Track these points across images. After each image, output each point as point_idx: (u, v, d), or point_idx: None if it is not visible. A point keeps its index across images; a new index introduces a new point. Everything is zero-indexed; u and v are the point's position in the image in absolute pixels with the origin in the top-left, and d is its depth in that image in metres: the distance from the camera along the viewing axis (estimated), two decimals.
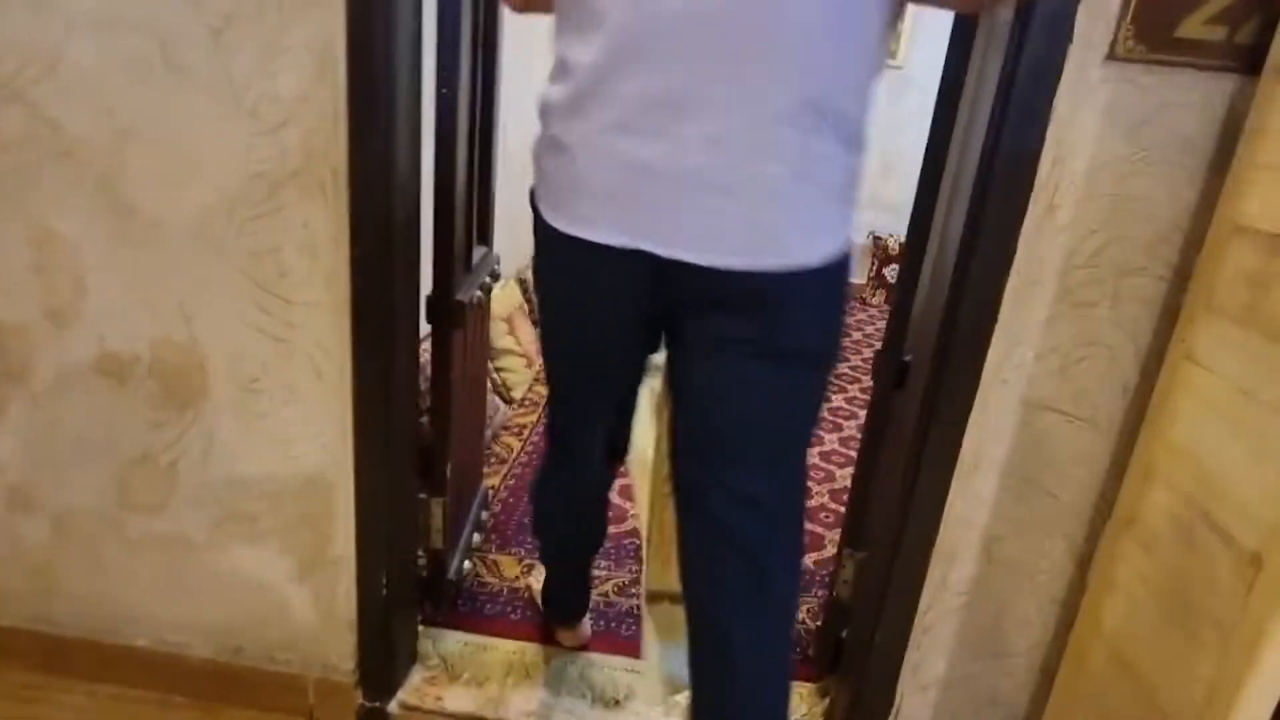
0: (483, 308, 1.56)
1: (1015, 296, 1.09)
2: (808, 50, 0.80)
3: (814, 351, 0.95)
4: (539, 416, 2.61)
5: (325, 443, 1.26)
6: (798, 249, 0.86)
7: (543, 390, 2.75)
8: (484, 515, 1.85)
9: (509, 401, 2.66)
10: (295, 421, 1.25)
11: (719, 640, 1.00)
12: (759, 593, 0.98)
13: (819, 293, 0.91)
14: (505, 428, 2.49)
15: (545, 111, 0.91)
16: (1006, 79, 1.01)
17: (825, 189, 0.86)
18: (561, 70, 0.88)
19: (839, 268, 0.90)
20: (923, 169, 1.21)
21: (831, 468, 2.45)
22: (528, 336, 2.88)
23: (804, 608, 1.76)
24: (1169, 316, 1.07)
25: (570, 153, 0.89)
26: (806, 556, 1.97)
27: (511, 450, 2.36)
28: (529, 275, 3.16)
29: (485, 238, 1.58)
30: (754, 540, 0.97)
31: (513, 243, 3.11)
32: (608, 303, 0.97)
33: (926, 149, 1.19)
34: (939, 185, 1.20)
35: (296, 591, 1.36)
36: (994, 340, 1.11)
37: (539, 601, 1.60)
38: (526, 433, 2.49)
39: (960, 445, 1.16)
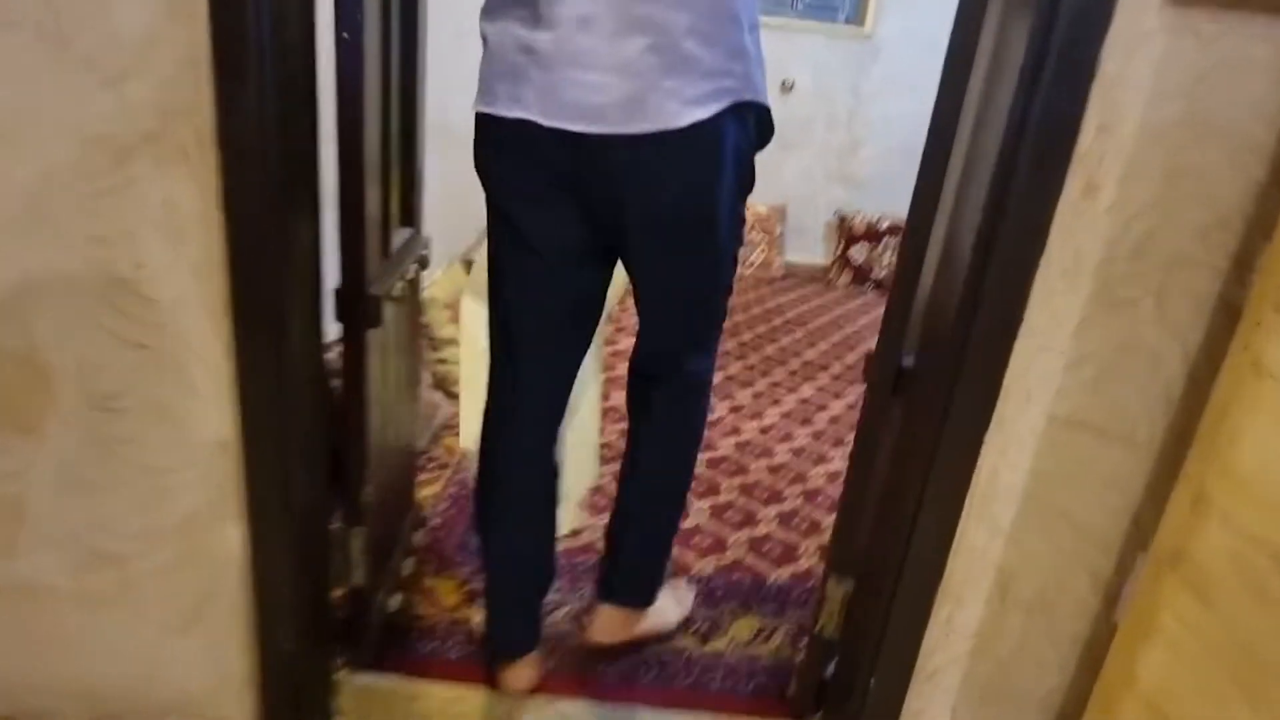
0: (407, 300, 1.33)
1: (1044, 294, 0.90)
2: None
3: (703, 204, 1.06)
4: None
5: (207, 471, 1.03)
6: (656, 116, 0.97)
7: None
8: (417, 536, 1.63)
9: (452, 396, 2.42)
10: (168, 446, 1.02)
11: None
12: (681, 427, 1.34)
13: (699, 151, 1.02)
14: (448, 427, 2.27)
15: (480, 19, 1.05)
16: (1042, 29, 0.81)
17: (687, 60, 0.96)
18: None
19: (712, 130, 1.00)
20: (928, 143, 1.00)
21: (804, 465, 2.28)
22: (477, 326, 2.64)
23: (781, 630, 1.59)
24: (1226, 317, 0.89)
25: (488, 44, 1.04)
26: (783, 568, 1.79)
27: (453, 453, 2.14)
28: (477, 255, 2.91)
29: (410, 218, 1.35)
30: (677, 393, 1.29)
31: (455, 222, 2.86)
32: (517, 172, 1.07)
33: (934, 119, 0.99)
34: (946, 162, 1.00)
35: (182, 645, 1.13)
36: (1017, 345, 0.92)
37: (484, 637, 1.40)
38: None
39: (973, 469, 0.98)
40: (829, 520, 2.00)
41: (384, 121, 1.18)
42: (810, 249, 4.45)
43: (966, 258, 0.91)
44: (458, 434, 2.23)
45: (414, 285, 1.35)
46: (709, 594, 1.68)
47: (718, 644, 1.54)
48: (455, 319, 2.50)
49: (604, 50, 0.95)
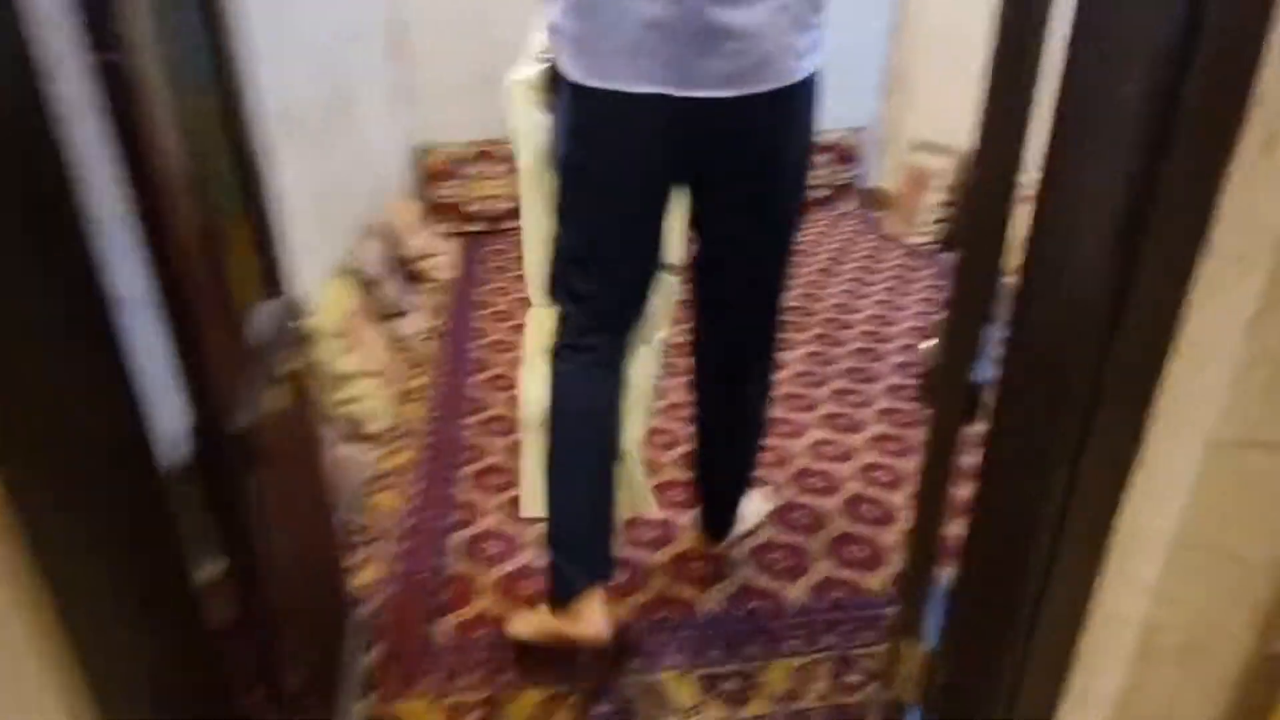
0: (292, 410, 0.96)
1: (1209, 287, 0.65)
2: None
3: (805, 146, 1.21)
4: (422, 450, 2.03)
5: None
6: (785, 72, 1.09)
7: (412, 413, 2.18)
8: (367, 660, 1.31)
9: (367, 440, 2.06)
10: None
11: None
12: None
13: (806, 99, 1.15)
14: (377, 478, 1.91)
15: None
16: None
17: (800, 22, 1.08)
18: None
19: (816, 78, 1.15)
20: (993, 68, 0.72)
21: (782, 441, 2.03)
22: (377, 347, 2.25)
23: (823, 668, 1.36)
24: None
25: (596, 16, 1.05)
26: (797, 583, 1.57)
27: (388, 512, 1.79)
28: (366, 260, 2.49)
29: (272, 279, 0.98)
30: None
31: (328, 224, 2.43)
32: (635, 144, 1.12)
33: (1000, 37, 0.70)
34: (1026, 93, 0.72)
35: None
36: (1172, 360, 0.67)
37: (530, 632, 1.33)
38: (407, 478, 1.92)
39: (1113, 522, 0.74)
40: (830, 505, 1.78)
41: (197, 153, 0.80)
42: None
43: (1096, 248, 0.65)
44: (389, 485, 1.89)
45: (298, 380, 0.98)
46: (728, 641, 1.43)
47: (756, 706, 1.30)
48: (354, 347, 2.11)
49: (738, 19, 1.03)
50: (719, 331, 1.37)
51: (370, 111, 2.98)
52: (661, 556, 1.64)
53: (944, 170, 3.36)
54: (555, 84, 1.14)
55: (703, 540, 1.63)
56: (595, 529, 1.27)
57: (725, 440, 1.46)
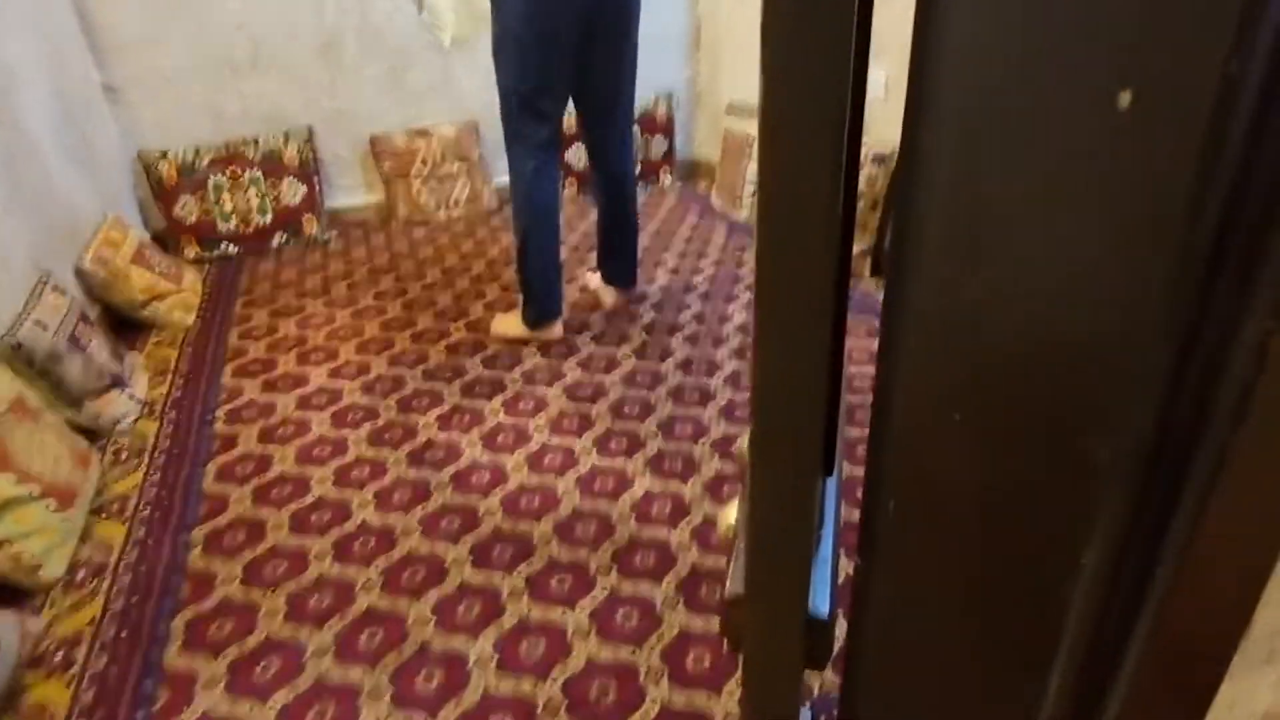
0: None
1: None
2: None
3: (636, 26, 2.14)
4: (115, 598, 1.48)
5: None
6: None
7: (108, 538, 1.62)
8: None
9: (38, 590, 1.48)
10: None
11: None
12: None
13: None
14: (37, 661, 1.35)
15: None
16: None
17: None
18: None
19: None
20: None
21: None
22: (44, 457, 1.64)
23: None
24: None
25: None
26: None
27: (43, 715, 1.25)
28: (25, 334, 1.85)
29: None
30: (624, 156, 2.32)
31: None
32: (553, 18, 1.95)
33: None
34: None
35: None
36: None
37: (524, 325, 2.27)
38: (85, 650, 1.36)
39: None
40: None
41: None
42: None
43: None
44: (52, 673, 1.33)
45: None
46: None
47: None
48: (8, 465, 1.51)
49: None
50: (598, 130, 2.25)
51: (43, 133, 2.28)
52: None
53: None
54: None
55: (614, 294, 2.49)
56: (559, 291, 2.26)
57: (616, 196, 2.34)
